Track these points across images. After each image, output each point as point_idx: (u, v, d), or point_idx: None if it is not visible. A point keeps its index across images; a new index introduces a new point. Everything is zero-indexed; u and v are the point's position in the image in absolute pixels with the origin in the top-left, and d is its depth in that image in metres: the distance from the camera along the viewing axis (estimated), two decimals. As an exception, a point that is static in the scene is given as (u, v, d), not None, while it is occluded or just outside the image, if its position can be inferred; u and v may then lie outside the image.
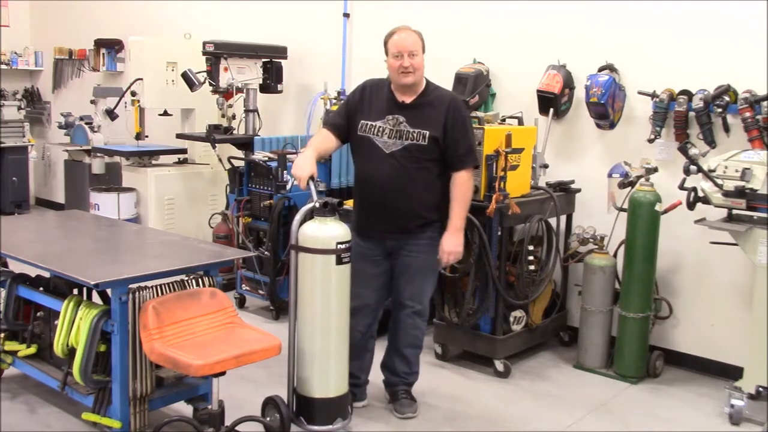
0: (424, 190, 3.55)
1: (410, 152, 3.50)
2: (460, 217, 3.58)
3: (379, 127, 3.55)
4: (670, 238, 4.37)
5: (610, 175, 4.38)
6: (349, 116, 3.67)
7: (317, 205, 3.38)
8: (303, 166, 3.46)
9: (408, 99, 3.55)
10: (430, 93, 3.58)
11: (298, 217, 3.43)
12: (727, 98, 4.12)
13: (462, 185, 3.56)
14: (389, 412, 3.78)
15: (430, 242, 3.60)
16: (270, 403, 3.42)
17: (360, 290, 3.64)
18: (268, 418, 3.41)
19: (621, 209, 4.35)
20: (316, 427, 3.42)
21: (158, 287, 3.22)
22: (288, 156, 5.09)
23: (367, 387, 3.88)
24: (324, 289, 3.37)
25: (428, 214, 3.58)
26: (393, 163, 3.52)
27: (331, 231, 3.34)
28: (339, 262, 3.33)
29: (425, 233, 3.60)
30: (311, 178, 3.45)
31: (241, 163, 5.37)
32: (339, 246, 3.32)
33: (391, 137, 3.53)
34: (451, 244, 3.57)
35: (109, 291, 3.19)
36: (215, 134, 5.74)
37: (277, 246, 5.04)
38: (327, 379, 3.42)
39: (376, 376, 3.90)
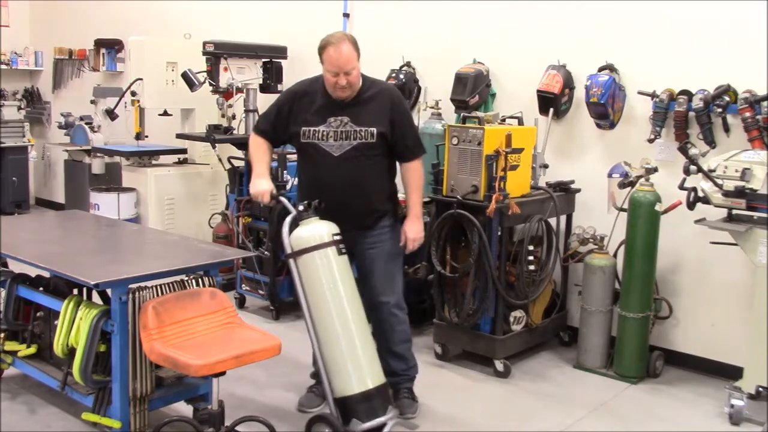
0: (377, 184, 3.59)
1: (360, 151, 3.51)
2: (419, 204, 3.66)
3: (323, 131, 3.53)
4: (670, 238, 4.37)
5: (610, 175, 4.38)
6: (277, 123, 3.64)
7: (301, 208, 3.38)
8: (259, 184, 3.53)
9: (347, 98, 3.52)
10: (368, 88, 3.57)
11: (285, 228, 3.39)
12: (727, 98, 4.13)
13: (415, 173, 3.63)
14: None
15: (389, 230, 3.64)
16: (318, 422, 3.33)
17: None
18: None
19: (621, 209, 4.35)
20: (367, 425, 3.28)
21: (158, 287, 3.22)
22: (288, 156, 5.09)
23: None
24: (332, 283, 3.32)
25: (383, 206, 3.63)
26: (345, 164, 3.51)
27: (323, 227, 3.35)
28: (339, 252, 3.33)
29: (382, 223, 3.63)
30: (277, 195, 3.50)
31: (241, 163, 5.37)
32: (335, 237, 3.33)
33: (338, 139, 3.51)
34: (415, 231, 3.63)
35: (109, 291, 3.19)
36: (215, 134, 5.74)
37: (277, 246, 5.02)
38: (362, 371, 3.31)
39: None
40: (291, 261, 3.38)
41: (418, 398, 3.83)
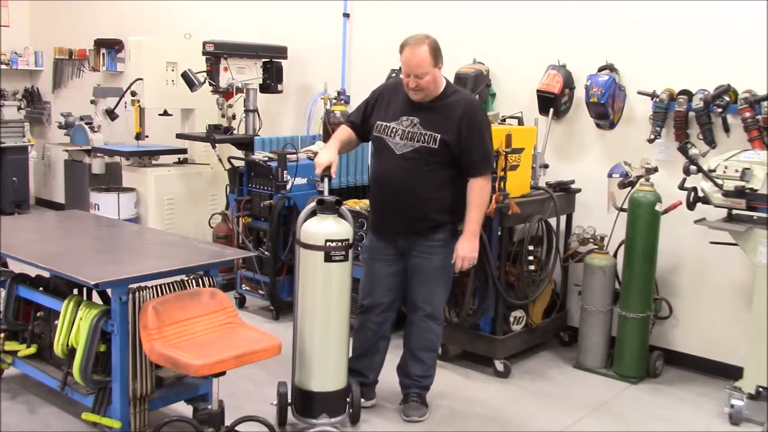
0: (433, 192, 3.53)
1: (421, 154, 3.49)
2: (476, 222, 3.56)
3: (393, 128, 3.55)
4: (670, 238, 4.37)
5: (610, 175, 4.38)
6: (365, 117, 3.70)
7: (313, 204, 3.43)
8: (323, 155, 3.55)
9: (425, 100, 3.53)
10: (448, 95, 3.55)
11: (303, 213, 3.48)
12: (727, 98, 4.13)
13: (478, 190, 3.53)
14: (397, 414, 3.78)
15: (442, 244, 3.58)
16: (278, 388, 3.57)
17: (372, 288, 3.69)
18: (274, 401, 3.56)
19: (621, 209, 4.35)
20: (306, 421, 3.48)
21: (158, 287, 3.22)
22: (288, 156, 5.10)
23: (381, 388, 3.88)
24: (314, 283, 3.41)
25: (438, 216, 3.56)
26: (404, 164, 3.51)
27: (324, 228, 3.37)
28: (328, 259, 3.35)
29: (437, 235, 3.58)
30: (329, 173, 3.49)
31: (241, 163, 5.37)
32: (328, 243, 3.34)
33: (403, 138, 3.52)
34: (466, 249, 3.55)
35: (109, 291, 3.19)
36: (215, 134, 5.74)
37: (277, 246, 5.04)
38: (326, 374, 3.45)
39: (393, 377, 3.89)
40: (297, 246, 3.48)
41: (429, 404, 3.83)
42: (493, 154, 3.67)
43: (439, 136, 3.47)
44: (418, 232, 3.57)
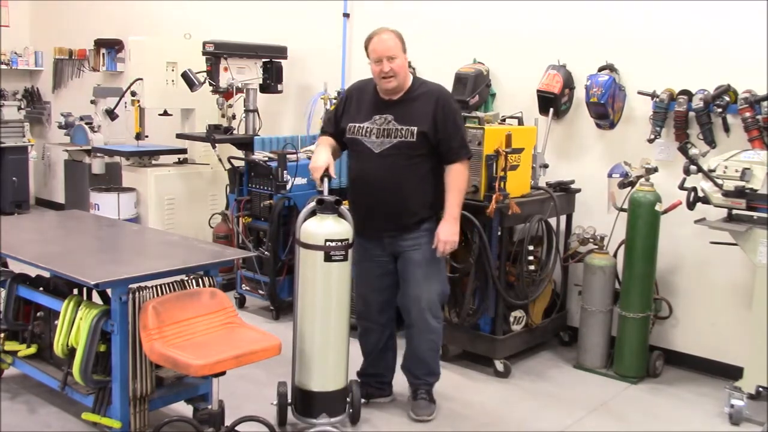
0: (416, 186, 3.55)
1: (400, 150, 3.50)
2: (456, 206, 3.57)
3: (367, 128, 3.56)
4: (670, 238, 4.37)
5: (610, 175, 4.38)
6: (337, 123, 3.70)
7: (313, 203, 3.44)
8: (318, 158, 3.52)
9: (395, 96, 3.55)
10: (416, 88, 3.57)
11: (302, 213, 3.49)
12: (727, 98, 4.12)
13: (457, 175, 3.55)
14: (397, 413, 3.79)
15: (427, 233, 3.59)
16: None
17: (366, 291, 3.71)
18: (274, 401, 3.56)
19: (621, 209, 4.35)
20: (306, 421, 3.49)
21: (158, 287, 3.22)
22: (288, 156, 5.10)
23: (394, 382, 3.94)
24: (315, 283, 3.41)
25: (422, 210, 3.58)
26: (384, 162, 3.52)
27: (324, 228, 3.37)
28: (328, 259, 3.35)
29: (422, 226, 3.59)
30: (327, 174, 3.47)
31: (241, 163, 5.37)
32: (328, 243, 3.34)
33: (379, 137, 3.52)
34: (447, 233, 3.54)
35: (109, 291, 3.19)
36: (215, 134, 5.74)
37: (277, 246, 5.04)
38: (326, 374, 3.46)
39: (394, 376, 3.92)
40: (297, 245, 3.48)
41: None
42: (467, 140, 3.72)
43: (416, 128, 3.48)
44: (405, 227, 3.58)
